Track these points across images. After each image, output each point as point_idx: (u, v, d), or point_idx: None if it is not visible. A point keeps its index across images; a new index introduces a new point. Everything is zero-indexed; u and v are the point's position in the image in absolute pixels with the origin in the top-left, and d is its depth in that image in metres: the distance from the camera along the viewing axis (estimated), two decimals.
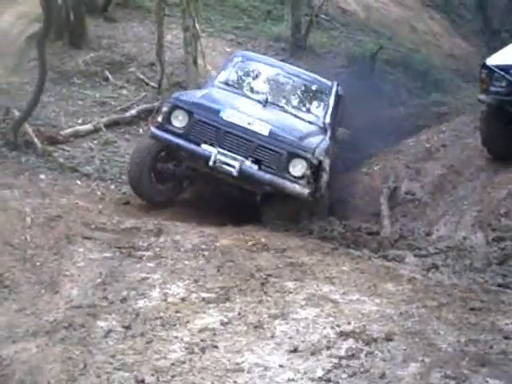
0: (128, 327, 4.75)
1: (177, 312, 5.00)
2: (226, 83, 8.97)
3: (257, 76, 9.28)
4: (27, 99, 9.43)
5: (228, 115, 7.70)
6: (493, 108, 8.17)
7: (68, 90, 11.83)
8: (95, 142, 10.16)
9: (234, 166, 7.49)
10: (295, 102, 8.92)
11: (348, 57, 16.21)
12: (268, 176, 7.52)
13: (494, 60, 8.06)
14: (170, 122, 7.79)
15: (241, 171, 7.50)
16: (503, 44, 10.04)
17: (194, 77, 11.65)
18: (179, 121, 7.77)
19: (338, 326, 4.65)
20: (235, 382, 3.99)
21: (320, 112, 8.76)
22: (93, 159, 9.48)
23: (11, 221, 6.74)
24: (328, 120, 8.65)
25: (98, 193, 8.39)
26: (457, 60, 19.16)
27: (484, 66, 8.08)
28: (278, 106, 8.62)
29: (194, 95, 8.30)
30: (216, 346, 4.47)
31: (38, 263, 6.01)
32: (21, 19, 13.76)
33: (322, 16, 18.36)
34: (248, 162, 7.55)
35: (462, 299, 5.25)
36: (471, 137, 9.47)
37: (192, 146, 7.65)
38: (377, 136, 10.51)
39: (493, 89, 7.97)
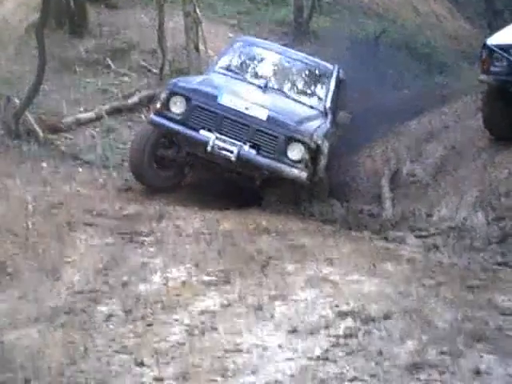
0: (129, 311, 4.79)
1: (177, 295, 5.03)
2: (227, 68, 8.94)
3: (257, 61, 9.22)
4: (28, 88, 9.42)
5: (225, 100, 7.67)
6: (494, 88, 8.13)
7: (70, 78, 11.80)
8: (97, 129, 10.17)
9: (232, 151, 7.47)
10: (296, 87, 8.86)
11: (351, 40, 16.13)
12: (266, 160, 7.52)
13: (494, 40, 8.00)
14: (168, 109, 7.78)
15: (239, 156, 7.48)
16: (505, 24, 9.99)
17: (195, 63, 11.62)
18: (177, 107, 7.76)
19: (337, 306, 4.69)
20: (234, 361, 4.02)
21: (321, 96, 8.72)
22: (95, 147, 9.48)
23: (13, 209, 6.81)
24: (328, 104, 8.61)
25: (100, 180, 8.39)
26: (460, 42, 19.07)
27: (484, 46, 8.03)
28: (278, 90, 8.59)
29: (193, 81, 8.32)
30: (215, 328, 4.50)
31: (40, 250, 6.05)
32: (21, 7, 13.72)
33: (325, 0, 18.28)
34: (246, 147, 7.53)
35: (460, 278, 5.29)
36: (473, 118, 9.44)
37: (190, 132, 7.64)
38: (380, 119, 10.54)
39: (493, 69, 7.92)
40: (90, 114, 10.38)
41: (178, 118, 7.72)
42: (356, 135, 9.33)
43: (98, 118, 10.41)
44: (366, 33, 16.52)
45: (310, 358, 3.99)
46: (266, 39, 15.78)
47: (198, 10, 11.60)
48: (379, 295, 4.86)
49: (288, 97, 8.53)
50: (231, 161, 7.50)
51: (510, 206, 7.13)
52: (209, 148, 7.49)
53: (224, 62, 9.09)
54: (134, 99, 11.09)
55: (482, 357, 3.85)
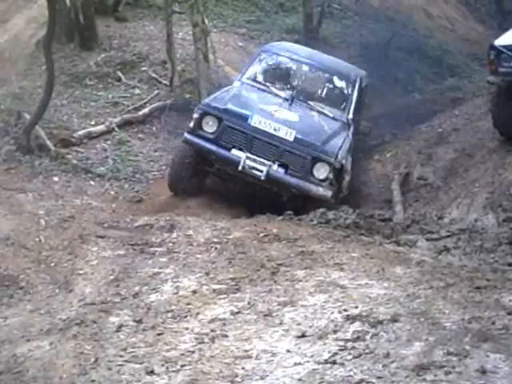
0: (139, 321, 4.83)
1: (188, 304, 5.07)
2: (253, 79, 9.23)
3: (283, 71, 9.44)
4: (38, 103, 9.53)
5: (256, 121, 8.04)
6: (502, 89, 8.12)
7: (81, 92, 11.92)
8: (108, 142, 10.26)
9: (261, 171, 7.86)
10: (320, 98, 9.09)
11: (362, 45, 16.16)
12: (294, 180, 7.90)
13: (502, 41, 8.00)
14: (201, 128, 8.15)
15: (268, 175, 7.86)
16: None
17: (205, 73, 11.73)
18: (210, 126, 8.12)
19: (346, 310, 4.69)
20: (243, 368, 4.05)
21: (344, 107, 8.96)
22: (106, 159, 9.58)
23: (25, 224, 6.88)
24: (351, 115, 8.86)
25: (112, 192, 8.49)
26: (472, 44, 18.97)
27: (492, 47, 8.03)
28: (303, 102, 8.85)
29: (223, 99, 8.54)
30: (225, 335, 4.53)
31: (53, 264, 6.13)
32: (30, 24, 13.89)
33: (335, 6, 18.30)
34: (275, 167, 7.91)
35: (468, 279, 5.28)
36: (483, 119, 9.43)
37: (223, 152, 8.03)
38: (392, 123, 10.60)
39: (501, 70, 7.92)
40: (101, 127, 10.48)
41: (211, 136, 8.08)
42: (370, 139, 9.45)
43: (109, 130, 10.51)
44: (377, 37, 16.48)
45: (318, 362, 4.01)
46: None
47: (206, 21, 11.69)
48: (387, 298, 4.86)
49: (312, 109, 8.81)
50: (260, 179, 7.89)
51: None
52: (240, 167, 7.90)
53: (250, 72, 9.38)
54: (145, 111, 11.19)
55: (488, 356, 3.85)
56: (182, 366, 4.11)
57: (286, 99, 8.73)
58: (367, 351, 4.04)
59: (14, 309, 5.38)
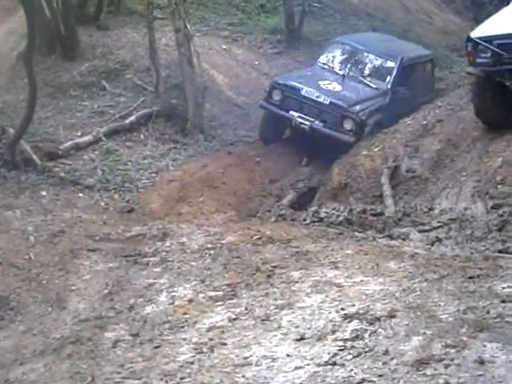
0: (136, 335, 4.82)
1: (184, 314, 5.06)
2: (323, 63, 12.30)
3: (345, 55, 12.35)
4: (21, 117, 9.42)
5: (305, 92, 11.19)
6: (481, 79, 8.16)
7: (65, 102, 11.82)
8: (96, 152, 10.16)
9: (307, 125, 11.01)
10: (368, 73, 11.99)
11: None
12: (328, 130, 10.90)
13: (477, 32, 8.04)
14: (271, 97, 11.48)
15: (311, 128, 11.00)
16: (489, 16, 10.02)
17: (190, 77, 11.67)
18: (276, 96, 11.42)
19: (343, 309, 4.69)
20: (243, 376, 4.03)
21: (385, 80, 11.74)
22: (94, 170, 9.48)
23: (14, 241, 6.83)
24: (389, 86, 11.64)
25: (102, 203, 8.42)
26: (451, 36, 19.00)
27: (469, 38, 8.06)
28: (354, 77, 11.85)
29: (289, 77, 11.98)
30: (224, 343, 4.51)
31: (44, 281, 6.10)
32: (11, 36, 13.76)
33: (315, 4, 18.28)
34: (316, 122, 10.99)
35: (461, 269, 5.29)
36: (466, 109, 9.40)
37: (283, 113, 11.31)
38: None
39: (479, 60, 7.96)
40: (88, 138, 10.38)
41: (277, 103, 11.38)
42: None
43: (97, 140, 10.41)
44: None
45: (319, 364, 4.00)
46: (260, 48, 16.16)
47: (188, 26, 11.61)
48: (383, 294, 4.85)
49: (360, 82, 11.77)
50: (306, 130, 11.06)
51: (506, 193, 7.12)
52: (293, 123, 11.15)
53: (322, 58, 12.45)
54: (132, 119, 11.12)
55: (485, 346, 3.86)
56: (181, 379, 4.09)
57: (341, 76, 11.80)
58: (366, 350, 4.04)
59: (5, 331, 5.35)
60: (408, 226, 7.15)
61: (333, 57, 12.50)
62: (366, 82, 11.78)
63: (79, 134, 10.66)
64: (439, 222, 7.03)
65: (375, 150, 9.00)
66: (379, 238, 6.81)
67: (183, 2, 11.94)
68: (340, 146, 10.37)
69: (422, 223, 7.13)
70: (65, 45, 13.29)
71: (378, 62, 12.15)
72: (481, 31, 7.92)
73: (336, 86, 11.52)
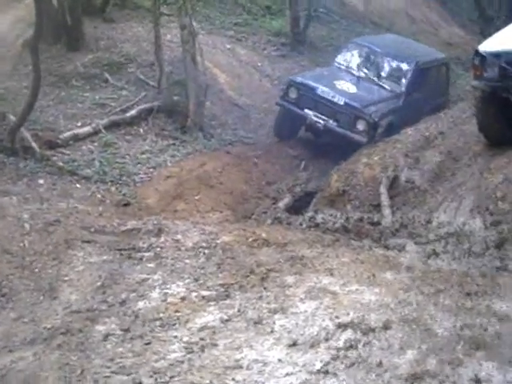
0: (127, 330, 4.76)
1: (176, 312, 5.00)
2: (340, 63, 12.67)
3: (362, 57, 12.66)
4: (23, 104, 9.38)
5: (320, 91, 11.52)
6: (486, 94, 8.11)
7: (67, 92, 11.78)
8: (95, 144, 10.14)
9: (321, 123, 11.36)
10: (383, 76, 12.30)
11: None
12: (341, 130, 11.25)
13: (485, 46, 7.99)
14: (287, 95, 11.84)
15: (325, 126, 11.37)
16: (497, 31, 10.00)
17: (193, 74, 11.64)
18: (292, 93, 11.76)
19: (337, 317, 4.64)
20: (234, 379, 4.00)
21: (399, 82, 12.11)
22: (92, 162, 9.45)
23: (9, 228, 6.74)
24: (403, 88, 12.00)
25: (98, 195, 8.37)
26: (455, 48, 19.04)
27: (476, 52, 8.02)
28: (369, 78, 12.21)
29: (306, 76, 12.35)
30: (215, 344, 4.47)
31: (37, 269, 6.01)
32: (18, 24, 13.71)
33: (321, 10, 18.30)
34: (331, 121, 11.30)
35: (459, 284, 5.24)
36: (468, 123, 9.40)
37: (298, 110, 11.64)
38: None
39: (486, 75, 7.91)
40: (88, 129, 10.35)
41: (293, 101, 11.73)
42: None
43: (96, 132, 10.39)
44: None
45: (311, 372, 3.97)
46: (264, 49, 16.13)
47: (194, 23, 11.59)
48: (379, 305, 4.82)
49: (375, 83, 12.13)
50: (320, 129, 11.46)
51: (506, 210, 7.08)
52: (308, 121, 11.54)
53: (339, 59, 12.81)
54: (133, 113, 11.09)
55: (481, 364, 3.83)
56: (170, 378, 4.05)
57: (357, 77, 12.17)
58: (360, 360, 4.01)
59: None
60: (404, 238, 7.11)
61: (349, 58, 12.80)
62: (380, 83, 12.10)
63: (79, 124, 10.63)
64: (436, 235, 6.99)
65: (375, 158, 8.98)
66: (375, 247, 6.76)
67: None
68: (351, 146, 10.61)
69: (419, 235, 7.10)
70: (70, 35, 13.27)
71: (394, 64, 12.43)
72: (489, 46, 7.88)
73: (351, 87, 11.86)
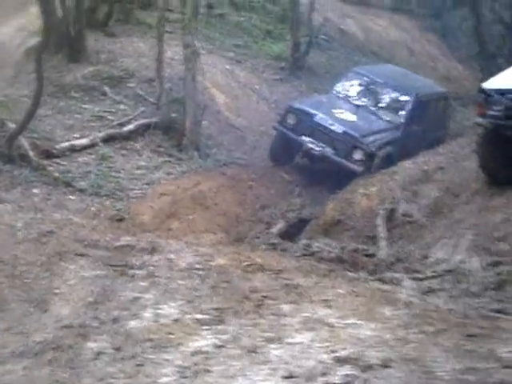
0: (118, 349, 4.63)
1: (169, 334, 4.88)
2: (339, 92, 12.72)
3: (361, 86, 12.70)
4: (24, 112, 9.29)
5: (318, 118, 11.52)
6: (490, 131, 8.11)
7: (66, 103, 11.75)
8: (92, 156, 10.07)
9: (317, 150, 11.35)
10: (382, 106, 12.36)
11: None
12: (338, 158, 11.22)
13: (490, 84, 8.01)
14: (285, 120, 11.84)
15: (321, 153, 11.34)
16: (499, 68, 10.05)
17: (192, 93, 11.61)
18: (291, 119, 11.75)
19: (334, 351, 4.53)
20: None
21: (399, 113, 12.17)
22: (88, 174, 9.37)
23: (1, 236, 6.67)
24: (402, 120, 12.06)
25: (93, 209, 8.27)
26: (453, 83, 19.18)
27: (481, 89, 8.03)
28: (367, 108, 12.23)
29: (305, 102, 12.35)
30: (209, 370, 4.35)
31: (28, 280, 5.90)
32: (20, 32, 13.70)
33: (322, 36, 18.42)
34: (328, 149, 11.30)
35: (459, 325, 5.15)
36: (468, 159, 9.40)
37: (295, 136, 11.62)
38: None
39: (490, 112, 7.90)
40: (85, 141, 10.30)
41: (291, 126, 11.72)
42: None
43: (93, 144, 10.34)
44: None
45: None
46: (262, 72, 16.16)
47: (196, 42, 11.58)
48: (377, 341, 4.71)
49: (374, 113, 12.13)
50: (317, 156, 11.45)
51: (505, 251, 7.04)
52: (304, 147, 11.51)
53: (338, 87, 12.86)
54: (130, 127, 11.03)
55: None
56: None
57: (355, 106, 12.19)
58: None
59: None
60: (400, 272, 7.04)
61: (349, 86, 12.82)
62: (379, 114, 12.13)
63: (76, 135, 10.57)
64: (433, 271, 6.92)
65: (372, 189, 8.96)
66: (371, 280, 6.68)
67: (195, 19, 11.94)
68: (346, 175, 10.63)
69: (416, 271, 7.02)
70: (72, 46, 13.29)
71: (394, 95, 12.46)
72: (494, 83, 7.90)
73: (349, 116, 11.87)
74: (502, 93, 7.73)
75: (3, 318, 5.26)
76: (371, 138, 11.36)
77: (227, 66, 15.53)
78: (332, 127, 11.36)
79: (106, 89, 12.54)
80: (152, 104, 12.11)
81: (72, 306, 5.43)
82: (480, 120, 8.07)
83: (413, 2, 23.98)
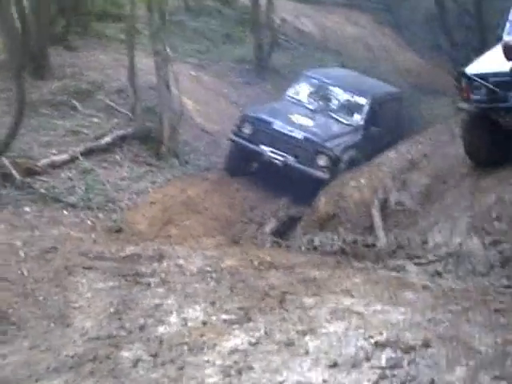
0: (155, 355, 4.62)
1: (201, 336, 4.89)
2: (292, 96, 12.24)
3: (316, 89, 12.32)
4: (6, 132, 9.10)
5: (277, 126, 10.98)
6: (474, 116, 8.22)
7: (37, 120, 11.47)
8: (73, 171, 9.88)
9: (280, 160, 10.73)
10: (339, 109, 11.92)
11: None
12: (301, 166, 10.63)
13: (472, 69, 8.07)
14: (241, 130, 11.22)
15: (284, 163, 10.71)
16: (468, 58, 10.20)
17: (166, 101, 11.55)
18: (247, 129, 11.16)
19: (371, 336, 4.60)
20: None
21: (356, 116, 11.77)
22: (74, 189, 9.21)
23: (3, 255, 6.55)
24: (362, 122, 11.67)
25: (88, 222, 8.16)
26: (412, 74, 19.41)
27: (463, 74, 8.09)
28: (324, 111, 11.77)
29: (260, 110, 11.66)
30: (251, 367, 4.37)
31: (41, 297, 5.82)
32: None
33: (282, 37, 18.50)
34: (290, 157, 10.70)
35: (481, 302, 5.26)
36: (449, 146, 9.57)
37: (253, 146, 11.03)
38: None
39: (474, 97, 7.99)
40: (65, 156, 10.09)
41: (247, 136, 11.10)
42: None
43: (73, 159, 10.14)
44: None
45: None
46: (227, 76, 16.16)
47: (168, 48, 11.54)
48: (409, 324, 4.80)
49: (331, 117, 11.64)
50: (279, 166, 10.76)
51: (504, 230, 7.17)
52: (265, 157, 10.89)
53: (291, 91, 12.40)
54: (108, 139, 10.90)
55: None
56: None
57: (312, 110, 11.72)
58: (410, 378, 3.97)
59: (9, 346, 5.06)
60: (403, 259, 7.14)
61: (301, 90, 12.35)
62: (336, 117, 11.63)
63: (54, 151, 10.35)
64: (435, 255, 7.04)
65: (362, 181, 9.03)
66: (378, 268, 6.76)
67: (163, 26, 11.88)
68: (312, 182, 10.12)
69: (417, 256, 7.13)
70: (35, 62, 13.01)
71: (349, 97, 12.03)
72: (476, 68, 7.98)
73: (307, 121, 11.32)
74: (485, 76, 7.82)
75: (26, 336, 5.19)
76: (334, 142, 10.91)
77: (192, 72, 15.48)
78: (292, 134, 10.82)
79: (75, 103, 12.35)
80: (125, 115, 11.96)
81: (94, 318, 5.38)
82: (465, 105, 8.16)
83: None
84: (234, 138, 11.35)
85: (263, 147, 10.90)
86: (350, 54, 19.31)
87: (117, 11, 17.36)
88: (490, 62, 8.05)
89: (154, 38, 11.52)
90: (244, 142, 11.12)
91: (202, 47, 17.37)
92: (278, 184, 10.81)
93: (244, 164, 11.54)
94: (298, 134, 10.79)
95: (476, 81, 7.89)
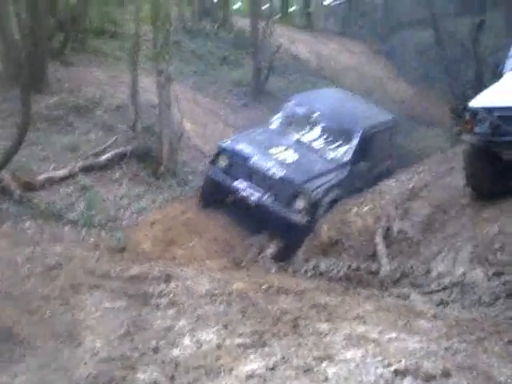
0: (172, 377, 4.57)
1: (217, 359, 4.84)
2: (275, 125, 11.46)
3: (300, 118, 11.38)
4: (6, 148, 9.03)
5: (254, 161, 10.10)
6: (477, 148, 8.29)
7: (34, 135, 11.35)
8: (71, 187, 9.83)
9: (255, 197, 9.88)
10: (325, 142, 10.96)
11: None
12: (278, 207, 9.77)
13: (477, 102, 8.19)
14: (217, 162, 10.47)
15: (258, 202, 9.85)
16: (465, 90, 10.30)
17: (167, 121, 11.54)
18: (223, 161, 10.39)
19: (390, 364, 4.57)
20: None
21: (343, 151, 10.78)
22: (74, 205, 9.16)
23: (5, 272, 6.47)
24: (349, 158, 10.67)
25: (91, 240, 8.10)
26: (405, 104, 19.57)
27: (467, 107, 8.21)
28: (308, 146, 10.81)
29: (237, 141, 10.72)
30: None
31: (47, 315, 5.77)
32: None
33: (277, 62, 18.63)
34: (266, 196, 9.87)
35: (495, 332, 5.26)
36: (449, 176, 9.62)
37: (229, 181, 10.19)
38: None
39: (477, 130, 8.08)
40: (64, 172, 10.05)
41: (223, 169, 10.32)
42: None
43: (71, 175, 10.09)
44: None
45: None
46: (225, 98, 16.20)
47: (171, 68, 11.56)
48: (426, 352, 4.77)
49: (315, 152, 10.68)
50: (252, 204, 9.89)
51: (506, 261, 7.20)
52: (239, 194, 10.01)
53: (274, 119, 11.64)
54: (108, 156, 10.85)
55: None
56: None
57: (295, 142, 10.80)
58: None
59: (18, 365, 5.01)
60: (407, 287, 7.14)
61: (287, 118, 11.46)
62: (322, 152, 10.67)
63: (52, 167, 10.30)
64: (439, 284, 7.05)
65: (365, 208, 9.03)
66: (384, 296, 6.75)
67: (167, 45, 11.92)
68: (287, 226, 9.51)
69: (421, 285, 7.13)
70: (33, 76, 12.94)
71: (338, 130, 10.97)
72: (481, 101, 8.08)
73: (289, 156, 10.34)
74: (489, 110, 7.92)
75: (34, 355, 5.12)
76: (315, 183, 9.85)
77: (190, 93, 15.51)
78: (269, 172, 9.87)
79: (73, 118, 12.29)
80: (124, 132, 11.93)
81: (105, 338, 5.32)
82: (468, 138, 8.23)
83: (360, 25, 24.51)
84: (209, 169, 10.62)
85: (238, 182, 10.05)
86: (343, 83, 19.45)
87: (114, 28, 17.49)
88: (497, 95, 8.14)
89: (158, 58, 11.52)
90: (219, 176, 10.32)
91: (199, 68, 17.45)
92: (254, 220, 10.08)
93: (219, 196, 10.60)
94: (276, 173, 9.85)
95: (480, 113, 7.99)
